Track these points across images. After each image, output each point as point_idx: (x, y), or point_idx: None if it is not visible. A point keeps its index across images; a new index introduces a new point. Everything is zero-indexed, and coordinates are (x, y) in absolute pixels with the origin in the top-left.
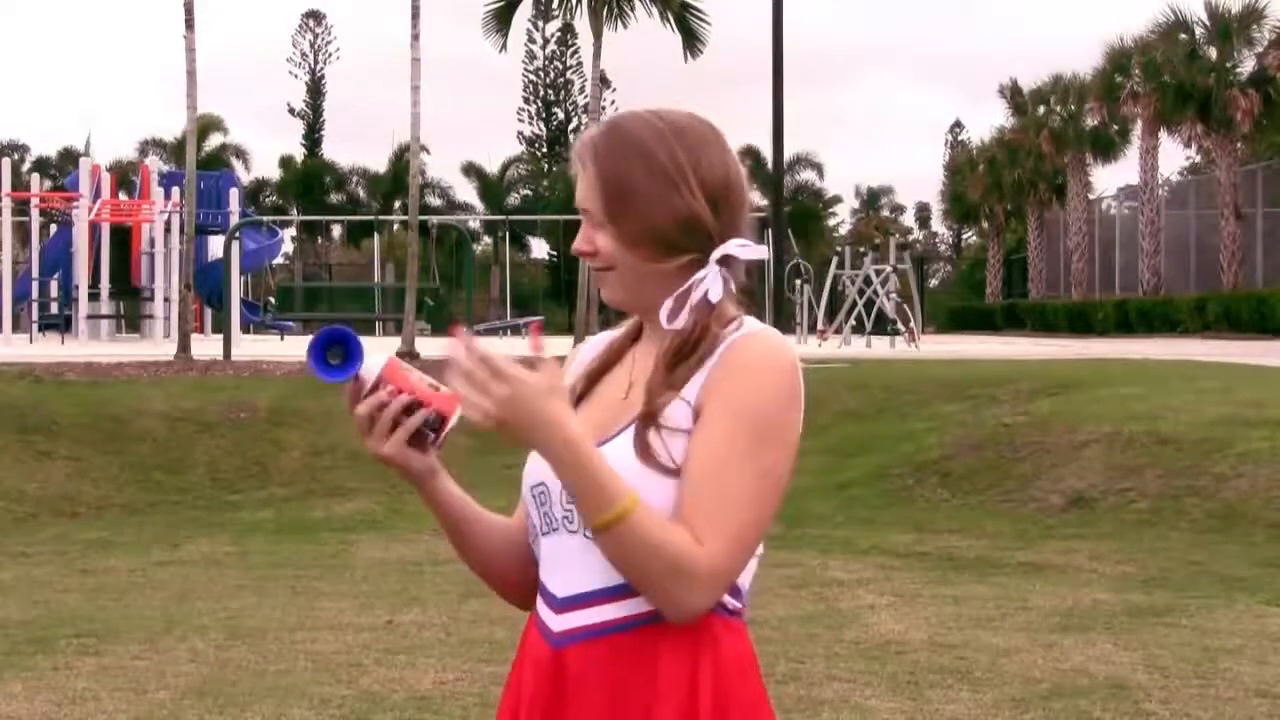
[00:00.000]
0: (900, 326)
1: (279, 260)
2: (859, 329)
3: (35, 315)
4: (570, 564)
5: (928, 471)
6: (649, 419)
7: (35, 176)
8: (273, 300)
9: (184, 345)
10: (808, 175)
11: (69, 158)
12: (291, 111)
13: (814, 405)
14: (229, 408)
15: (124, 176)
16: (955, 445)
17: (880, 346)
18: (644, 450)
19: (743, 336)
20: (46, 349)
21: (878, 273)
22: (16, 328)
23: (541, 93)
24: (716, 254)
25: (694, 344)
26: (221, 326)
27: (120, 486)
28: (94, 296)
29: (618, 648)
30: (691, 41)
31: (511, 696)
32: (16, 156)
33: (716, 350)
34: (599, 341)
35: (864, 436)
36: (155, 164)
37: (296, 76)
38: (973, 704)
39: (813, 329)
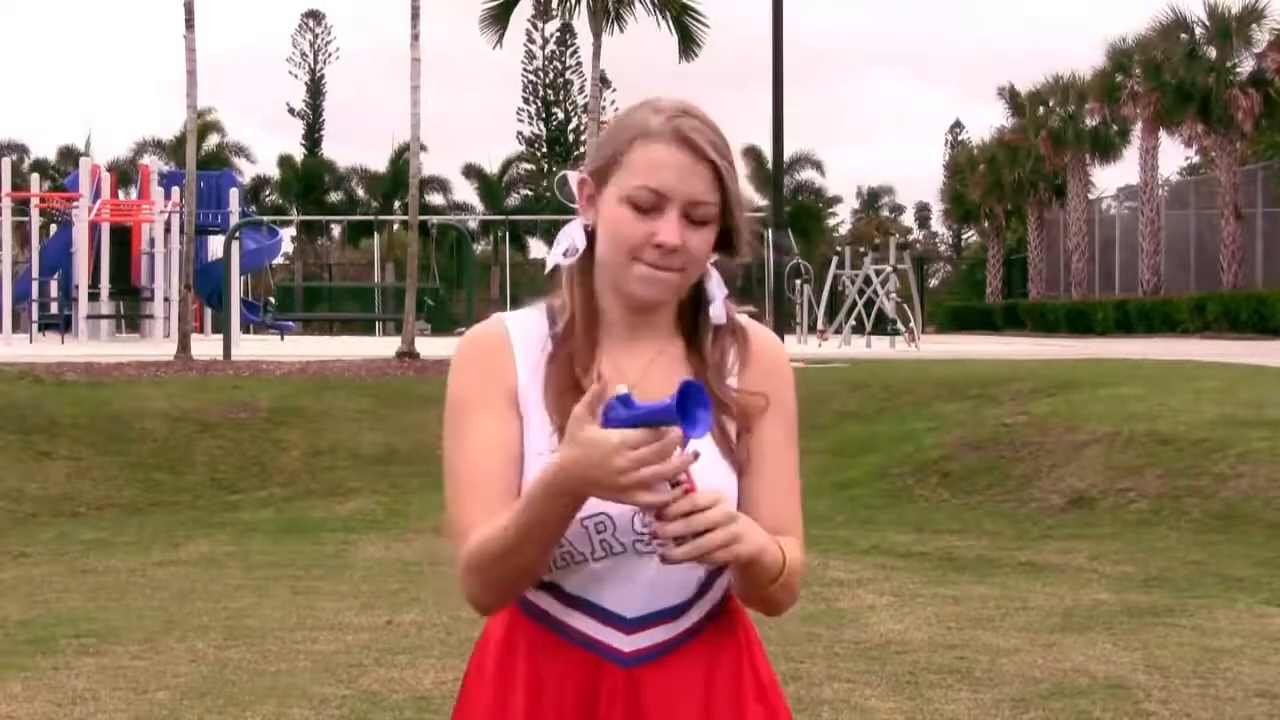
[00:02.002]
0: (900, 326)
1: (279, 260)
2: (859, 329)
3: (35, 315)
4: (640, 585)
5: (928, 471)
6: (725, 414)
7: (35, 176)
8: (272, 300)
9: (184, 345)
10: (808, 175)
11: (69, 157)
12: (291, 111)
13: (814, 405)
14: (229, 407)
15: (124, 176)
16: (955, 445)
17: (880, 346)
18: (728, 448)
19: (754, 328)
20: (46, 349)
21: (878, 273)
22: (16, 328)
23: (541, 93)
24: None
25: (730, 335)
26: (221, 326)
27: (120, 487)
28: (94, 296)
29: (688, 654)
30: (688, 44)
31: None
32: (16, 156)
33: (738, 339)
34: (529, 331)
35: (864, 436)
36: (155, 164)
37: (296, 76)
38: (973, 704)
39: (813, 329)
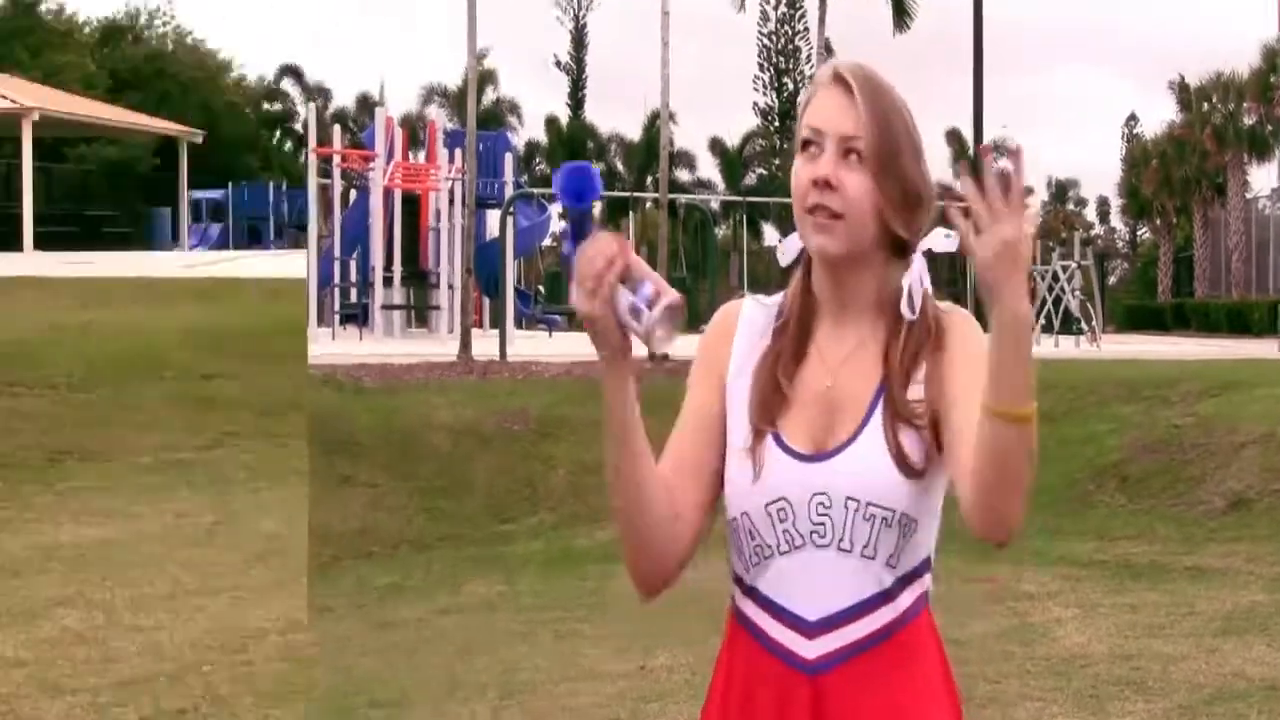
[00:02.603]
0: (1084, 325)
1: (547, 241)
2: (1048, 328)
3: (337, 306)
4: (820, 583)
5: (1107, 476)
6: (903, 422)
7: (337, 128)
8: (541, 289)
9: (465, 343)
10: (1001, 163)
11: (364, 107)
12: (557, 64)
13: None
14: (503, 417)
15: (413, 132)
16: (1133, 448)
17: (1064, 346)
18: (900, 456)
19: (951, 315)
20: (347, 346)
21: (1064, 269)
22: (321, 320)
23: (774, 59)
24: (925, 244)
25: (924, 334)
26: (497, 319)
27: (410, 517)
28: (388, 281)
29: (877, 661)
30: (901, 16)
31: None
32: (321, 101)
33: (932, 337)
34: (757, 312)
35: (1047, 439)
36: (440, 118)
37: (562, 23)
38: (1146, 715)
39: None
